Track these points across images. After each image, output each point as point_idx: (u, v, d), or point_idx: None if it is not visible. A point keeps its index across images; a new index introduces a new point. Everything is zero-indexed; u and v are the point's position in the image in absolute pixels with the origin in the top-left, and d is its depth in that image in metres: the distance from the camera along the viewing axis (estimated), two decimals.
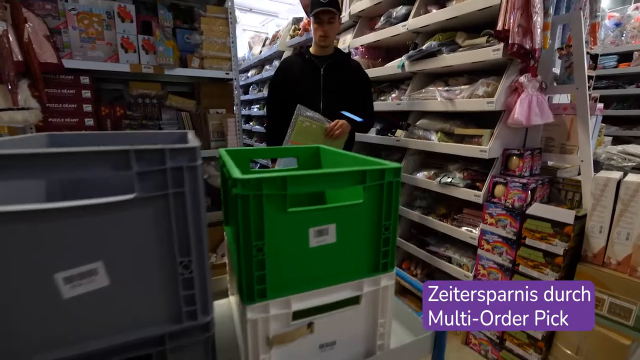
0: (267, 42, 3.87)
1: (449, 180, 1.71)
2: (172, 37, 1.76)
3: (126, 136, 0.73)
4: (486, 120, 1.68)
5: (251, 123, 4.55)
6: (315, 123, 1.44)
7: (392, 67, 1.98)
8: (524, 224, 1.41)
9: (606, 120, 3.50)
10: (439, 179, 1.77)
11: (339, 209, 0.55)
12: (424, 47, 1.73)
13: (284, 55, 3.36)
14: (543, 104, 1.46)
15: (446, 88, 1.74)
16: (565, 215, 1.28)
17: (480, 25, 1.62)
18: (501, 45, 1.39)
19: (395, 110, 2.03)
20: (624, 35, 3.33)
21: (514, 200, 1.45)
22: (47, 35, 1.39)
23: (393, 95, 2.08)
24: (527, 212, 1.40)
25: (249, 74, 4.40)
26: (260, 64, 4.20)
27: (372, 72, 2.18)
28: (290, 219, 0.51)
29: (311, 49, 1.65)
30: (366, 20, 2.34)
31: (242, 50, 4.96)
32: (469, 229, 1.69)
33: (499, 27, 1.33)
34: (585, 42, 1.53)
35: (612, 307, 1.20)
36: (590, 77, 2.66)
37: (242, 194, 0.46)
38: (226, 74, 1.81)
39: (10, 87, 1.26)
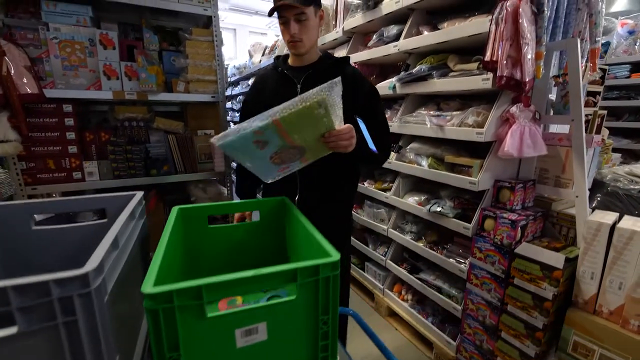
0: (267, 50, 3.84)
1: (439, 209, 1.65)
2: (158, 60, 1.75)
3: (63, 203, 0.71)
4: (479, 147, 1.61)
5: None
6: (329, 118, 0.81)
7: (384, 88, 1.92)
8: (513, 262, 1.35)
9: (617, 132, 3.36)
10: (428, 206, 1.71)
11: (270, 307, 0.51)
12: (413, 71, 1.66)
13: None
14: (536, 135, 1.39)
15: (437, 113, 1.68)
16: (555, 259, 1.21)
17: (473, 49, 1.55)
18: (491, 74, 1.32)
19: None
20: (638, 43, 3.17)
21: (502, 237, 1.38)
22: (27, 66, 1.39)
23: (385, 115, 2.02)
24: (516, 251, 1.33)
25: (250, 82, 4.38)
26: None
27: None
28: (210, 324, 0.47)
29: (289, 59, 1.22)
30: (360, 36, 2.28)
31: (244, 57, 4.95)
32: (459, 260, 1.63)
33: (487, 57, 1.26)
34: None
35: (603, 359, 1.13)
36: (597, 93, 2.55)
37: (151, 309, 0.43)
38: (212, 97, 1.78)
39: None
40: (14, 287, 0.35)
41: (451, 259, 1.66)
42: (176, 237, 0.74)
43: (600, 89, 2.60)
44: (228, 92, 5.68)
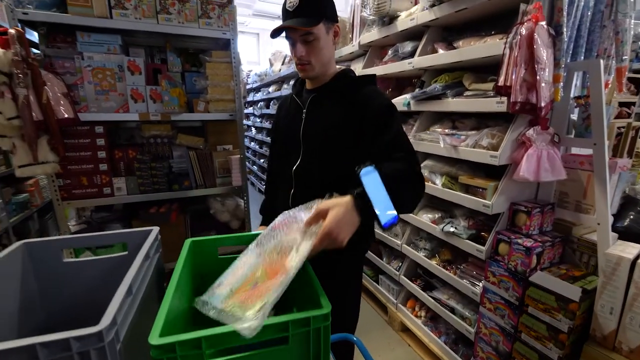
0: (287, 59, 3.91)
1: (452, 229, 1.63)
2: (181, 81, 1.85)
3: (91, 239, 0.79)
4: (495, 167, 1.57)
5: None
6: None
7: (399, 103, 1.92)
8: (527, 290, 1.31)
9: None
10: (442, 226, 1.69)
11: (263, 354, 0.55)
12: (427, 90, 1.65)
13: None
14: (554, 159, 1.34)
15: (452, 132, 1.66)
16: (571, 291, 1.17)
17: (490, 66, 1.52)
18: (506, 98, 1.29)
19: None
20: None
21: (517, 264, 1.35)
22: (64, 93, 1.52)
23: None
24: (531, 279, 1.30)
25: (270, 89, 4.48)
26: (280, 81, 4.25)
27: None
28: None
29: (306, 82, 1.12)
30: (377, 50, 2.29)
31: (267, 61, 5.05)
32: (473, 282, 1.61)
33: (500, 82, 1.24)
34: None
35: None
36: (632, 103, 2.40)
37: (157, 358, 0.48)
38: (230, 115, 1.86)
39: (30, 145, 1.39)
40: (41, 343, 0.41)
41: (465, 280, 1.64)
42: (188, 270, 0.80)
43: (635, 99, 2.44)
44: (250, 98, 5.84)
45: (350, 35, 2.43)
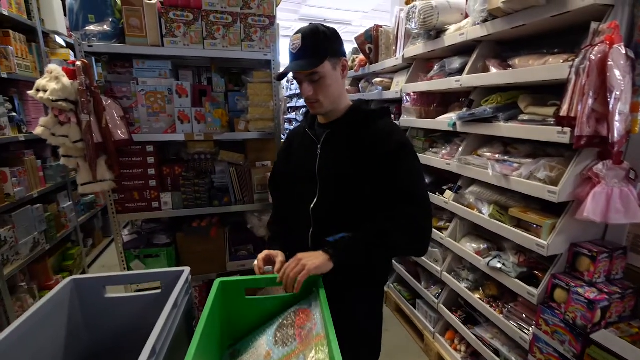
0: None
1: (499, 265, 1.49)
2: (224, 100, 1.92)
3: (130, 277, 0.84)
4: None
5: None
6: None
7: (443, 123, 1.80)
8: (587, 349, 1.15)
9: None
10: (488, 259, 1.55)
11: None
12: (476, 112, 1.52)
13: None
14: (629, 198, 1.15)
15: (503, 157, 1.51)
16: None
17: (550, 87, 1.35)
18: (569, 129, 1.13)
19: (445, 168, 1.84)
20: None
21: (576, 316, 1.18)
22: (121, 116, 1.66)
23: (444, 151, 1.89)
24: (593, 336, 1.13)
25: None
26: None
27: (423, 123, 2.02)
28: None
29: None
30: (422, 63, 2.17)
31: None
32: (522, 326, 1.45)
33: (564, 112, 1.09)
34: None
35: None
36: None
37: None
38: (269, 134, 1.89)
39: (91, 165, 1.54)
40: None
41: (512, 322, 1.48)
42: (215, 310, 0.82)
43: None
44: (292, 104, 5.94)
45: (394, 47, 2.34)
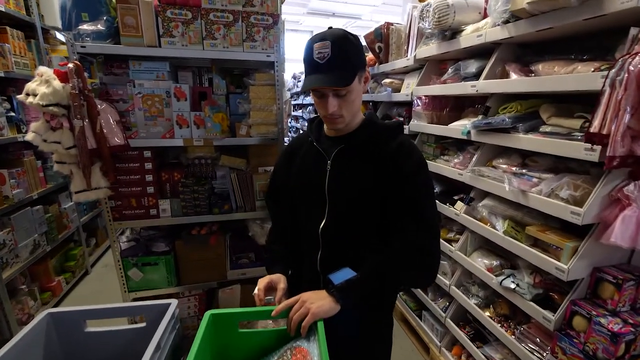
0: None
1: (513, 286, 1.40)
2: (225, 103, 1.83)
3: (112, 310, 0.77)
4: None
5: None
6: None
7: (456, 131, 1.69)
8: None
9: None
10: (500, 278, 1.46)
11: None
12: (493, 121, 1.41)
13: None
14: None
15: (521, 170, 1.40)
16: None
17: (577, 95, 1.24)
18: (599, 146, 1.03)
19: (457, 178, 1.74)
20: None
21: (597, 348, 1.09)
22: (117, 120, 1.58)
23: (456, 160, 1.79)
24: None
25: None
26: None
27: (434, 129, 1.91)
28: None
29: (324, 125, 1.01)
30: (435, 64, 2.05)
31: None
32: (535, 350, 1.36)
33: (594, 127, 0.98)
34: None
35: None
36: None
37: None
38: (272, 140, 1.80)
39: (84, 172, 1.48)
40: None
41: (524, 345, 1.40)
42: (206, 344, 0.75)
43: None
44: (299, 101, 5.82)
45: (406, 47, 2.22)
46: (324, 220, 0.96)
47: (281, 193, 1.13)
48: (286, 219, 1.12)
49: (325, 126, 1.01)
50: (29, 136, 1.41)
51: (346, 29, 0.86)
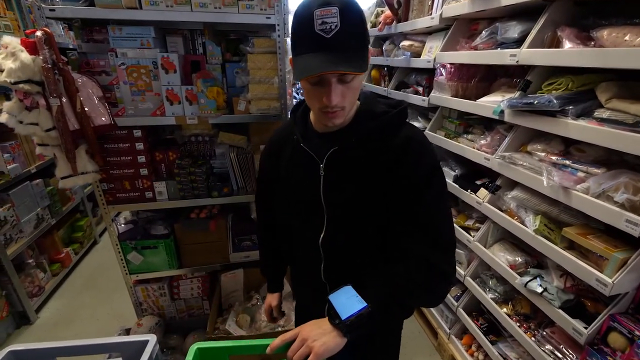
0: None
1: (540, 290, 1.26)
2: (221, 73, 1.62)
3: (86, 347, 0.66)
4: None
5: None
6: None
7: (486, 108, 1.45)
8: None
9: None
10: (525, 279, 1.32)
11: None
12: (536, 101, 1.17)
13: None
14: None
15: (564, 161, 1.19)
16: None
17: None
18: None
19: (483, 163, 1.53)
20: None
21: None
22: (100, 97, 1.41)
23: (482, 141, 1.56)
24: None
25: None
26: None
27: (458, 104, 1.66)
28: None
29: (311, 116, 0.85)
30: (464, 24, 1.74)
31: None
32: (557, 356, 1.26)
33: None
34: None
35: None
36: None
37: None
38: (274, 116, 1.61)
39: (68, 156, 1.34)
40: None
41: (544, 349, 1.29)
42: None
43: None
44: None
45: (430, 2, 1.88)
46: (323, 232, 0.85)
47: (272, 196, 1.03)
48: (278, 225, 1.08)
49: (311, 117, 0.85)
50: (3, 118, 1.26)
51: None
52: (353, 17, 0.63)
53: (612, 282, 0.99)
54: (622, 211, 0.95)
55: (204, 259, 1.84)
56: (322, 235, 0.85)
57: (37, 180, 2.35)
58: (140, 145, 1.56)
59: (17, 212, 2.14)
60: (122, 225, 1.80)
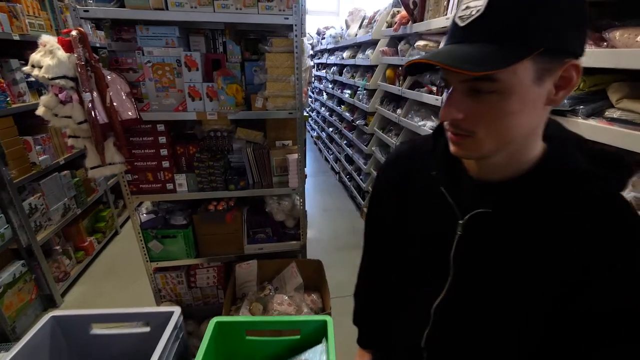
0: (365, 22, 3.42)
1: None
2: (240, 71, 1.69)
3: (117, 316, 0.74)
4: None
5: (342, 107, 4.34)
6: None
7: None
8: None
9: None
10: None
11: None
12: None
13: (379, 46, 2.92)
14: None
15: None
16: None
17: None
18: None
19: None
20: None
21: None
22: (128, 92, 1.50)
23: None
24: None
25: (344, 55, 4.07)
26: (355, 46, 3.80)
27: None
28: None
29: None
30: None
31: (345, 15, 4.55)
32: None
33: None
34: None
35: None
36: None
37: None
38: (289, 113, 1.67)
39: (97, 148, 1.44)
40: None
41: None
42: (211, 351, 0.72)
43: None
44: (322, 60, 5.48)
45: (446, 3, 1.91)
46: (441, 296, 0.64)
47: (386, 234, 0.77)
48: (388, 272, 0.79)
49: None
50: (40, 111, 1.36)
51: None
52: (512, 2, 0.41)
53: None
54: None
55: (220, 249, 1.92)
56: (438, 300, 0.65)
57: (65, 172, 2.48)
58: (163, 139, 1.65)
59: (47, 201, 2.28)
60: (144, 215, 1.90)
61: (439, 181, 0.61)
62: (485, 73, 0.42)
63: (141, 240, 1.80)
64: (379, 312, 0.84)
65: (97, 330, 0.75)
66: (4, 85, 1.97)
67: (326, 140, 5.48)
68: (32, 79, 2.24)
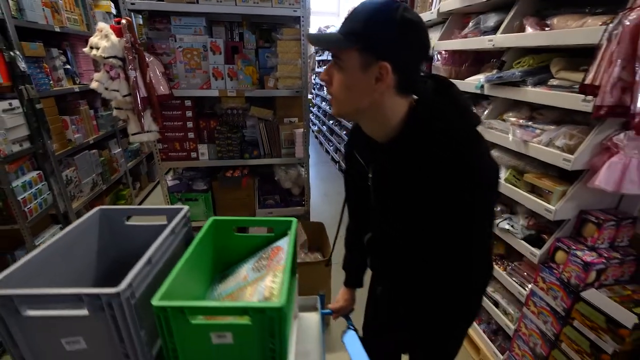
0: None
1: (507, 227, 1.57)
2: (255, 57, 1.99)
3: (143, 210, 1.01)
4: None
5: None
6: None
7: (471, 85, 1.77)
8: (576, 304, 1.25)
9: None
10: (498, 221, 1.63)
11: (232, 324, 0.66)
12: (504, 75, 1.49)
13: None
14: None
15: (527, 123, 1.50)
16: (624, 317, 1.09)
17: (589, 51, 1.29)
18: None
19: None
20: None
21: (570, 276, 1.28)
22: (162, 72, 1.80)
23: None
24: (583, 294, 1.23)
25: None
26: None
27: None
28: (193, 327, 0.65)
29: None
30: (458, 18, 2.06)
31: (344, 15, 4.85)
32: (522, 282, 1.57)
33: (589, 79, 1.07)
34: None
35: None
36: None
37: (156, 313, 0.64)
38: (296, 92, 1.97)
39: (139, 117, 1.73)
40: (86, 294, 0.61)
41: (514, 279, 1.60)
42: (207, 242, 0.97)
43: None
44: (323, 57, 5.79)
45: (430, 0, 2.21)
46: (369, 234, 0.97)
47: (350, 192, 1.05)
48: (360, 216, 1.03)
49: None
50: (94, 84, 1.66)
51: (404, 5, 0.64)
52: (357, 15, 0.64)
53: (555, 208, 1.30)
54: (561, 153, 1.27)
55: (235, 212, 2.21)
56: (368, 237, 0.97)
57: (94, 151, 2.78)
58: (189, 113, 1.95)
59: (79, 174, 2.57)
60: (170, 180, 2.19)
61: (351, 146, 0.90)
62: (336, 50, 0.66)
63: (168, 202, 2.09)
64: (359, 254, 1.10)
65: (130, 222, 1.02)
66: (48, 70, 2.27)
67: (327, 133, 5.77)
68: (68, 67, 2.53)
